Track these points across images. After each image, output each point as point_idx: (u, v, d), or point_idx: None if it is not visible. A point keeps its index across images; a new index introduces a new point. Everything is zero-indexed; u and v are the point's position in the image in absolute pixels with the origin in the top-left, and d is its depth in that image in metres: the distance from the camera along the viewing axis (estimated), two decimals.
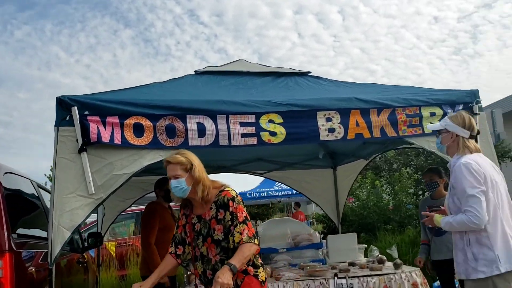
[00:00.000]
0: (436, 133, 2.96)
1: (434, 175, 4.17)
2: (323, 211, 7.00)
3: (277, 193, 14.72)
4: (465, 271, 2.62)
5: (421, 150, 9.02)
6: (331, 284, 3.83)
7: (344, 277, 3.90)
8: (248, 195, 15.85)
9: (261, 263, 2.70)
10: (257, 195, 15.55)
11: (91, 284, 5.51)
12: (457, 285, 4.08)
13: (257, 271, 2.62)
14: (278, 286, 3.77)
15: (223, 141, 3.36)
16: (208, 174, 2.69)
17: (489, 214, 2.54)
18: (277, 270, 4.14)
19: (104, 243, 6.41)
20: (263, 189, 15.08)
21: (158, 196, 4.74)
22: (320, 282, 3.86)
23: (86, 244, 5.14)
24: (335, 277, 3.88)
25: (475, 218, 2.50)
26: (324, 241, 4.97)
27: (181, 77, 4.26)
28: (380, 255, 4.47)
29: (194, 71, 4.38)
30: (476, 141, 3.68)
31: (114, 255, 7.61)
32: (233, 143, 3.37)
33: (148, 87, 3.85)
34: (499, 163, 10.27)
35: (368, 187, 9.31)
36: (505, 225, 2.58)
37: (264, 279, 2.63)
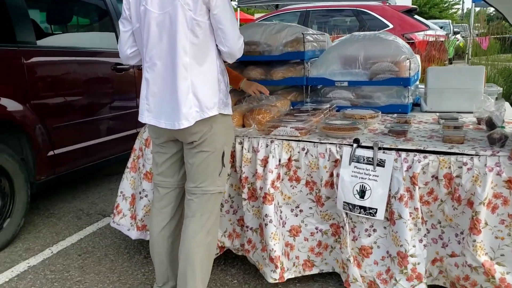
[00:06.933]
0: None
1: None
2: (492, 6, 4.31)
3: None
4: None
5: None
6: (344, 154, 2.25)
7: (371, 147, 2.23)
8: None
9: None
10: None
11: None
12: None
13: None
14: (259, 143, 2.43)
15: None
16: None
17: None
18: (289, 117, 2.64)
19: None
20: None
21: None
22: (327, 149, 2.31)
23: None
24: (353, 145, 2.25)
25: None
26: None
27: None
28: (491, 114, 2.37)
29: None
30: None
31: None
32: None
33: None
34: None
35: None
36: None
37: None
